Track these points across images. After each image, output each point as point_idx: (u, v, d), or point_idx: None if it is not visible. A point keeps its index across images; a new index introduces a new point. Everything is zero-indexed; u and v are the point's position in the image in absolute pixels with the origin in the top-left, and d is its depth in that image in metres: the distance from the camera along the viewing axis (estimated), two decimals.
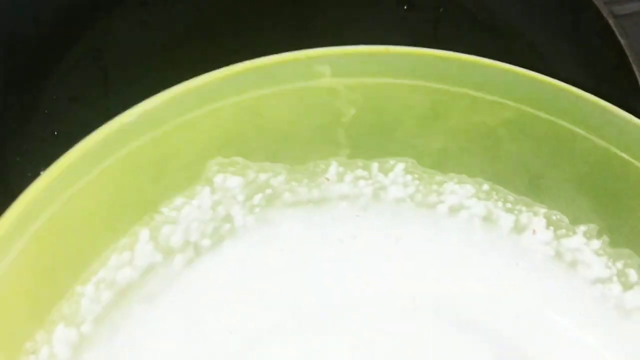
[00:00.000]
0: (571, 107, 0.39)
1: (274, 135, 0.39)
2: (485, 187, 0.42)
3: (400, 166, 0.42)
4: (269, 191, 0.41)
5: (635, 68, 0.41)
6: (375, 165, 0.42)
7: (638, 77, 0.40)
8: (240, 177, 0.39)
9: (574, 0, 0.43)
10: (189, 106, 0.35)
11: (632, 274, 0.39)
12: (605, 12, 0.42)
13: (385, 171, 0.42)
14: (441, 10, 0.48)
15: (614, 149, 0.39)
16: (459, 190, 0.42)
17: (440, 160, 0.41)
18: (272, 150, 0.39)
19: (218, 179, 0.39)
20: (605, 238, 0.40)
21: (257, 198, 0.40)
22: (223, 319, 0.39)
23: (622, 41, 0.41)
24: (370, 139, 0.41)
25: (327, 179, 0.41)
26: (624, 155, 0.38)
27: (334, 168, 0.41)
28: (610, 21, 0.42)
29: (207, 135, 0.37)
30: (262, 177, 0.40)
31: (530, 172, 0.41)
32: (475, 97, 0.39)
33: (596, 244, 0.40)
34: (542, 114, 0.39)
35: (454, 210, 0.42)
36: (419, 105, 0.40)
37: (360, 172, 0.42)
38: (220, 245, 0.41)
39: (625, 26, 0.42)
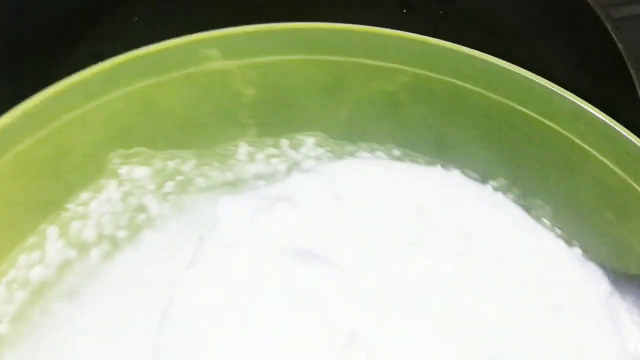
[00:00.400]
0: (464, 66, 0.39)
1: (174, 122, 0.39)
2: (396, 152, 0.42)
3: (310, 140, 0.42)
4: (180, 178, 0.41)
5: (632, 71, 0.41)
6: (285, 142, 0.42)
7: (635, 80, 0.40)
8: (146, 166, 0.40)
9: (572, 4, 0.43)
10: (76, 101, 0.35)
11: (545, 224, 0.40)
12: (602, 16, 0.42)
13: (295, 147, 0.42)
14: (441, 12, 0.48)
15: (511, 103, 0.39)
16: (371, 158, 0.42)
17: (348, 130, 0.42)
18: (175, 137, 0.40)
19: (123, 170, 0.39)
20: (516, 190, 0.40)
21: (169, 186, 0.41)
22: (148, 311, 0.39)
23: (619, 44, 0.41)
24: (276, 116, 0.41)
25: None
26: (521, 108, 0.39)
27: (243, 149, 0.42)
28: (608, 25, 0.42)
29: (101, 128, 0.37)
30: (170, 164, 0.41)
31: (435, 134, 0.41)
32: (371, 65, 0.40)
33: (509, 197, 0.40)
34: (437, 75, 0.39)
35: None
36: (318, 79, 0.40)
37: (271, 150, 0.42)
38: (139, 236, 0.41)
39: (623, 29, 0.42)
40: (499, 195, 0.37)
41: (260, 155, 0.42)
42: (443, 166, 0.41)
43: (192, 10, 0.49)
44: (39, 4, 0.46)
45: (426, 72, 0.39)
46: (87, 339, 0.38)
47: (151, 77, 0.37)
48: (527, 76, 0.38)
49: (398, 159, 0.42)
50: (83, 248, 0.39)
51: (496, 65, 0.38)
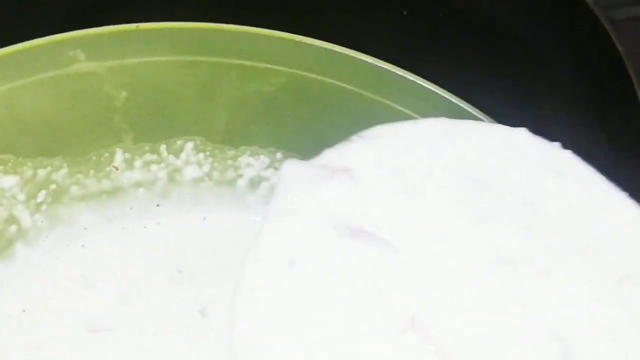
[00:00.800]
0: (340, 66, 0.38)
1: (43, 128, 0.38)
2: (279, 155, 0.41)
3: (190, 145, 0.41)
4: (53, 187, 0.40)
5: (631, 73, 0.40)
6: (163, 147, 0.41)
7: (634, 82, 0.40)
8: (14, 175, 0.38)
9: (572, 6, 0.43)
10: None
11: None
12: (602, 18, 0.41)
13: (175, 152, 0.41)
14: (441, 14, 0.47)
15: (388, 102, 0.38)
16: (254, 163, 0.42)
17: (228, 134, 0.41)
18: (44, 144, 0.38)
19: None
20: None
21: (42, 195, 0.39)
22: (26, 328, 0.38)
23: (619, 46, 0.41)
24: (152, 120, 0.40)
25: (116, 168, 0.40)
26: (398, 107, 0.38)
27: (119, 155, 0.40)
28: (607, 27, 0.41)
29: None
30: (41, 172, 0.39)
31: (316, 135, 0.40)
32: (246, 66, 0.39)
33: None
34: (314, 76, 0.38)
35: (254, 183, 0.42)
36: (193, 81, 0.39)
37: (149, 156, 0.41)
38: (12, 250, 0.39)
39: (622, 31, 0.41)
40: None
41: (138, 162, 0.40)
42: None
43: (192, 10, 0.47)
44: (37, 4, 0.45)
45: (303, 72, 0.38)
46: None
47: (12, 80, 0.35)
48: (405, 76, 0.37)
49: (281, 162, 0.41)
50: None
51: (372, 65, 0.38)
